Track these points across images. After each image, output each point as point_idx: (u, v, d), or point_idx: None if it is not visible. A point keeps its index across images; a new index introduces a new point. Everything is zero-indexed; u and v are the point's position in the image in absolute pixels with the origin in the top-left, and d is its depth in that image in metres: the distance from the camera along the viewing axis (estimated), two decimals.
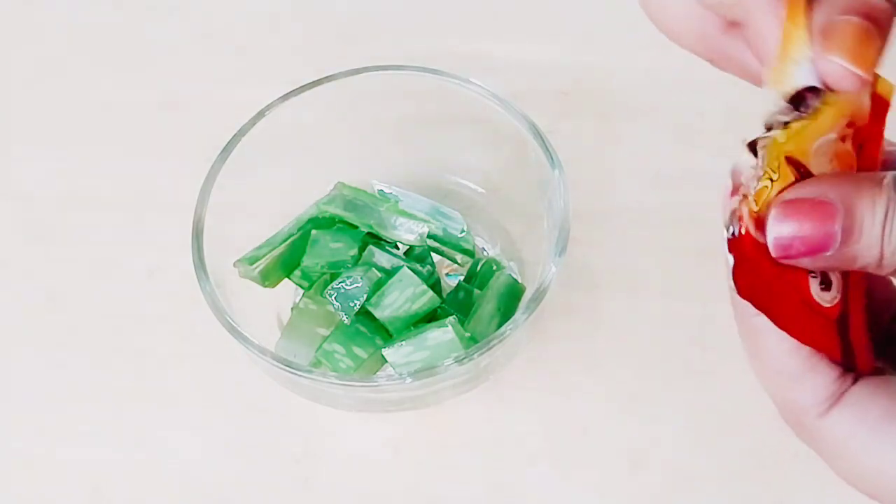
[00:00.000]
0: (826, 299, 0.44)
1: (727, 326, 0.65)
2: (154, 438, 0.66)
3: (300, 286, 0.63)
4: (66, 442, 0.66)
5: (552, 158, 0.58)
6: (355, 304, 0.59)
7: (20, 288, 0.72)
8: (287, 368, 0.55)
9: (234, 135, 0.60)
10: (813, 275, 0.43)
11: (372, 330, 0.59)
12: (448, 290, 0.64)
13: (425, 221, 0.62)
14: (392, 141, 0.67)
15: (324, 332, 0.60)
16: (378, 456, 0.64)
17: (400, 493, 0.63)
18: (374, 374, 0.60)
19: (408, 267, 0.59)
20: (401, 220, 0.62)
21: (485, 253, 0.67)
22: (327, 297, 0.59)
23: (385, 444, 0.65)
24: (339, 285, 0.59)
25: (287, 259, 0.62)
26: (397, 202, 0.63)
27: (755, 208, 0.42)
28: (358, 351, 0.59)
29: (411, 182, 0.67)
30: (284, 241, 0.62)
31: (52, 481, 0.65)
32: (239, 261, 0.61)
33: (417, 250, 0.63)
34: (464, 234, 0.64)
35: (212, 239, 0.58)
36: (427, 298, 0.59)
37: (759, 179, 0.43)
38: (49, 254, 0.73)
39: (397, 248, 0.64)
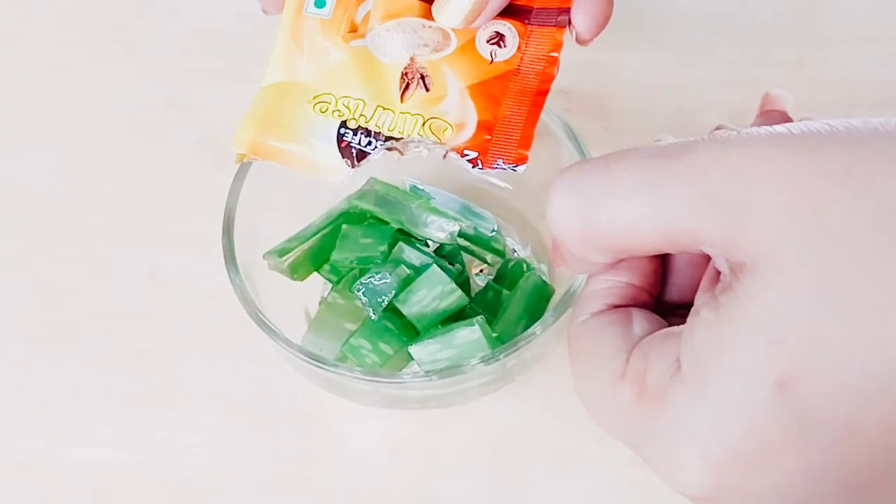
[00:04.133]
0: None
1: None
2: (154, 439, 0.66)
3: (329, 280, 0.63)
4: (66, 443, 0.67)
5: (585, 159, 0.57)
6: (383, 300, 0.58)
7: (20, 288, 0.72)
8: (313, 362, 0.55)
9: None
10: None
11: (399, 327, 0.59)
12: (477, 290, 0.63)
13: (456, 220, 0.61)
14: None
15: (351, 326, 0.60)
16: (378, 456, 0.65)
17: (400, 494, 0.63)
18: (400, 371, 0.60)
19: (437, 265, 0.59)
20: (432, 217, 0.61)
21: (515, 254, 0.66)
22: (355, 292, 0.59)
23: (385, 444, 0.65)
24: (368, 281, 0.59)
25: (317, 253, 0.62)
26: (429, 199, 0.63)
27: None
28: (384, 347, 0.59)
29: (443, 180, 0.66)
30: (315, 234, 0.62)
31: (52, 482, 0.66)
32: (268, 253, 0.61)
33: (447, 248, 0.63)
34: (494, 233, 0.64)
35: (241, 231, 0.58)
36: (455, 297, 0.59)
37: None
38: (49, 254, 0.73)
39: (427, 245, 0.63)
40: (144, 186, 0.75)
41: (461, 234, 0.62)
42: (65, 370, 0.69)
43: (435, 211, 0.62)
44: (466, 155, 0.51)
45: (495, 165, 0.51)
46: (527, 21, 0.52)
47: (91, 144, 0.77)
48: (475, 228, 0.63)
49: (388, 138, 0.52)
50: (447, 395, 0.58)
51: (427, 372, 0.55)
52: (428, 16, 0.53)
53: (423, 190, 0.65)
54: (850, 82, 0.74)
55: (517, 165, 0.51)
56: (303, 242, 0.61)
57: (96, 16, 0.83)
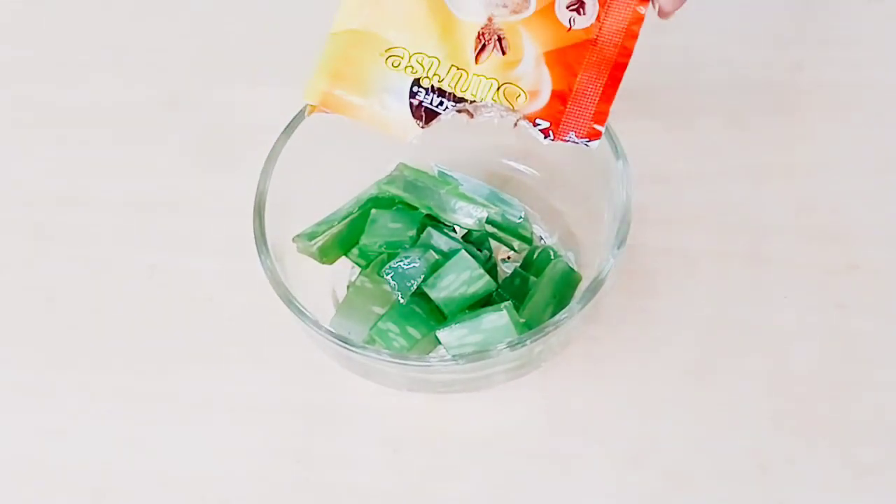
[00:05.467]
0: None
1: (729, 326, 0.66)
2: (154, 439, 0.66)
3: (357, 264, 0.63)
4: (66, 443, 0.67)
5: (616, 149, 0.58)
6: (412, 285, 0.59)
7: (20, 288, 0.72)
8: (342, 344, 0.56)
9: (298, 113, 0.60)
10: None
11: (427, 311, 0.60)
12: (504, 277, 0.64)
13: (485, 206, 0.62)
14: (453, 124, 0.66)
15: (379, 310, 0.61)
16: (378, 456, 0.65)
17: (400, 493, 0.64)
18: (427, 354, 0.61)
19: (465, 250, 0.59)
20: (460, 203, 0.62)
21: (542, 241, 0.67)
22: (385, 276, 0.59)
23: (385, 444, 0.65)
24: (397, 265, 0.59)
25: (346, 237, 0.62)
26: (457, 185, 0.63)
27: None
28: (412, 331, 0.59)
29: (470, 167, 0.67)
30: (344, 218, 0.62)
31: (52, 482, 0.66)
32: (298, 236, 0.61)
33: (475, 234, 0.64)
34: (522, 220, 0.64)
35: (271, 215, 0.59)
36: (483, 282, 0.59)
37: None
38: (49, 254, 0.73)
39: (455, 231, 0.64)
40: (144, 186, 0.75)
41: (489, 221, 0.63)
42: (65, 370, 0.69)
43: (463, 197, 0.62)
44: (539, 125, 0.52)
45: (567, 138, 0.51)
46: None
47: (91, 144, 0.77)
48: (503, 215, 0.63)
49: (459, 99, 0.52)
50: (473, 379, 0.58)
51: (454, 356, 0.56)
52: None
53: (451, 176, 0.65)
54: (850, 83, 0.76)
55: (590, 140, 0.51)
56: (332, 226, 0.62)
57: (97, 16, 0.83)
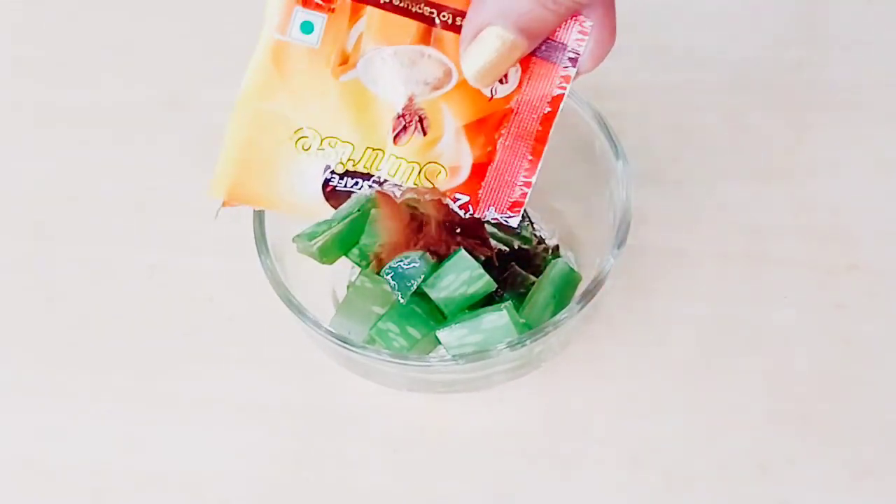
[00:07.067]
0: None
1: (729, 327, 0.66)
2: (154, 439, 0.66)
3: (357, 264, 0.63)
4: (66, 443, 0.67)
5: (616, 149, 0.58)
6: (412, 285, 0.59)
7: (20, 288, 0.72)
8: (342, 344, 0.56)
9: None
10: None
11: (427, 311, 0.59)
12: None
13: None
14: None
15: (379, 310, 0.60)
16: (378, 456, 0.65)
17: (400, 493, 0.64)
18: (427, 354, 0.60)
19: (465, 250, 0.59)
20: None
21: (542, 241, 0.66)
22: (384, 276, 0.59)
23: (385, 444, 0.65)
24: (397, 265, 0.59)
25: (346, 236, 0.62)
26: None
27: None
28: (412, 331, 0.59)
29: None
30: (344, 218, 0.62)
31: (52, 482, 0.66)
32: (298, 236, 0.61)
33: None
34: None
35: (271, 214, 0.58)
36: (483, 282, 0.59)
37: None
38: (49, 254, 0.73)
39: None
40: (144, 186, 0.75)
41: (487, 221, 0.62)
42: (65, 370, 0.69)
43: None
44: (458, 199, 0.51)
45: (486, 213, 0.51)
46: (531, 52, 0.50)
47: (91, 144, 0.77)
48: None
49: (376, 179, 0.52)
50: (473, 379, 0.58)
51: (454, 356, 0.56)
52: (426, 39, 0.50)
53: None
54: (849, 83, 0.76)
55: (511, 216, 0.51)
56: (332, 226, 0.61)
57: (97, 16, 0.83)
